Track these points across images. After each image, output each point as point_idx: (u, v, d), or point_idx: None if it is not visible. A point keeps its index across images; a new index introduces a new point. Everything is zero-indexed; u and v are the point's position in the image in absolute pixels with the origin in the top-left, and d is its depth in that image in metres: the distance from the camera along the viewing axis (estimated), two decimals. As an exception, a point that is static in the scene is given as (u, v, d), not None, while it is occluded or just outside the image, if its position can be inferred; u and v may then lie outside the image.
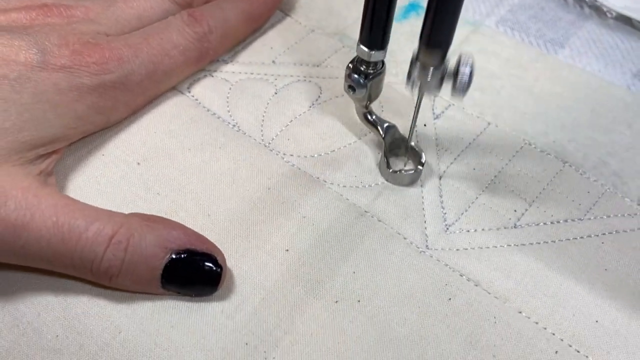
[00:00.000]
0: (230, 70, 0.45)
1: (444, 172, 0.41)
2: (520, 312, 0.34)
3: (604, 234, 0.38)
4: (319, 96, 0.44)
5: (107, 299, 0.34)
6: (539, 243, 0.37)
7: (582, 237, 0.37)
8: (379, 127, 0.39)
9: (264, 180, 0.39)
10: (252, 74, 0.45)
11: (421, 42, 0.32)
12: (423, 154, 0.39)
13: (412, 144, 0.39)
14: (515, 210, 0.39)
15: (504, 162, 0.41)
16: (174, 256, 0.33)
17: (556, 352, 0.33)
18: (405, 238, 0.37)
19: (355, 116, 0.41)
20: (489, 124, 0.43)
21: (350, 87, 0.37)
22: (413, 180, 0.39)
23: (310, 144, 0.42)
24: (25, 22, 0.38)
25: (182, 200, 0.38)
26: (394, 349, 0.33)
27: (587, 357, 0.33)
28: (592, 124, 0.43)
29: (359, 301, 0.34)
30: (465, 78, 0.33)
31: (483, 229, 0.38)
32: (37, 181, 0.34)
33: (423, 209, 0.39)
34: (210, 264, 0.34)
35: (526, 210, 0.39)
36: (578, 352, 0.33)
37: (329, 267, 0.36)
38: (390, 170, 0.38)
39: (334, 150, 0.41)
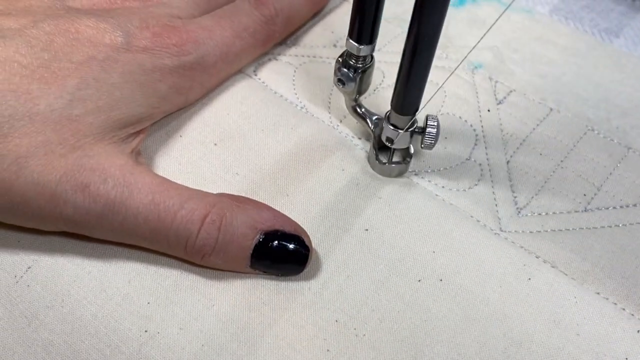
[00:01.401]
0: (293, 54, 0.46)
1: (511, 156, 0.41)
2: (598, 293, 0.35)
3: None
4: (383, 80, 0.45)
5: (197, 274, 0.35)
6: (611, 227, 0.38)
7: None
8: (367, 120, 0.40)
9: (337, 161, 0.40)
10: (314, 57, 0.46)
11: (392, 107, 0.35)
12: (411, 147, 0.39)
13: None
14: (584, 195, 0.39)
15: (569, 147, 0.42)
16: (263, 237, 0.34)
17: (638, 331, 0.34)
18: (478, 221, 0.38)
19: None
20: (551, 109, 0.44)
21: (339, 80, 0.37)
22: (401, 172, 0.39)
23: (378, 127, 0.42)
24: (105, 5, 0.39)
25: (260, 180, 0.39)
26: (479, 327, 0.34)
27: (666, 336, 0.34)
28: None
29: (441, 280, 0.35)
30: (432, 137, 0.37)
31: (554, 213, 0.39)
32: (131, 159, 0.35)
33: (493, 192, 0.39)
34: (298, 245, 0.34)
35: (595, 194, 0.40)
36: (657, 332, 0.34)
37: (409, 246, 0.36)
38: (379, 162, 0.39)
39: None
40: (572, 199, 0.39)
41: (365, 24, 0.34)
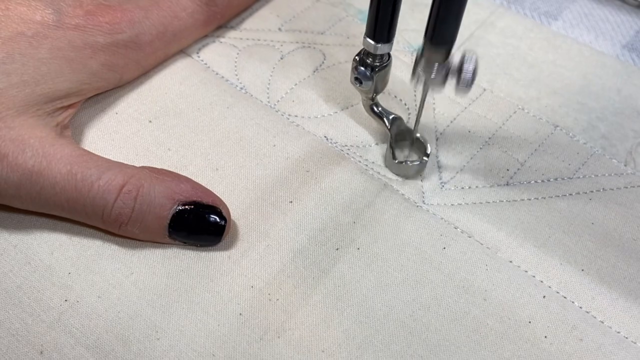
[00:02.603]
0: (238, 37, 0.47)
1: (441, 133, 0.42)
2: (510, 262, 0.36)
3: (591, 191, 0.40)
4: (323, 62, 0.46)
5: (119, 245, 0.36)
6: (530, 199, 0.39)
7: (570, 194, 0.39)
8: (384, 119, 0.40)
9: (269, 137, 0.41)
10: (259, 40, 0.47)
11: (426, 39, 0.33)
12: (428, 145, 0.39)
13: (418, 135, 0.40)
14: (507, 170, 0.41)
15: (498, 125, 0.43)
16: (180, 207, 0.35)
17: (544, 296, 0.35)
18: (402, 194, 0.39)
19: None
20: (484, 90, 0.45)
21: (356, 79, 0.37)
22: (419, 171, 0.39)
23: (314, 106, 0.44)
24: None
25: (191, 155, 0.40)
26: (390, 292, 0.35)
27: (573, 302, 0.35)
28: (582, 90, 0.45)
29: (358, 249, 0.36)
30: (469, 75, 0.33)
31: (477, 187, 0.40)
32: (53, 132, 0.36)
33: (420, 167, 0.41)
34: (215, 216, 0.36)
35: (518, 169, 0.41)
36: (565, 297, 0.35)
37: (331, 217, 0.37)
38: (396, 162, 0.39)
39: (336, 112, 0.43)
40: (496, 173, 0.40)
41: (382, 23, 0.34)
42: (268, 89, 0.44)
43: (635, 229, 0.38)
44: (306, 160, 0.40)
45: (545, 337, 0.33)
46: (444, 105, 0.43)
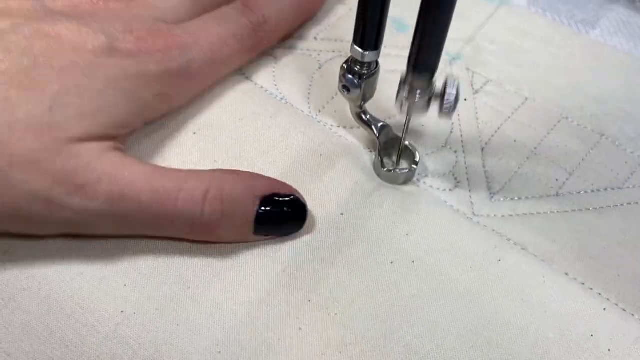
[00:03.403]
0: (274, 47, 0.47)
1: (486, 144, 0.42)
2: (566, 274, 0.36)
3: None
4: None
5: (171, 256, 0.36)
6: (581, 210, 0.39)
7: (622, 205, 0.39)
8: (373, 127, 0.40)
9: (315, 147, 0.41)
10: (295, 49, 0.47)
11: (409, 66, 0.33)
12: (417, 153, 0.39)
13: (407, 143, 0.39)
14: (556, 180, 0.40)
15: (542, 134, 0.43)
16: (263, 201, 0.35)
17: (604, 309, 0.35)
18: (452, 206, 0.39)
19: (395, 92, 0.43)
20: (526, 98, 0.45)
21: (344, 87, 0.37)
22: (407, 179, 0.39)
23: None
24: (87, 7, 0.38)
25: (238, 166, 0.39)
26: (449, 305, 0.34)
27: (633, 315, 0.35)
28: (626, 98, 0.45)
29: (413, 262, 0.36)
30: (452, 100, 0.34)
31: (527, 197, 0.40)
32: (118, 153, 0.35)
33: (467, 179, 0.40)
34: (296, 204, 0.36)
35: (567, 179, 0.40)
36: (624, 310, 0.35)
37: (383, 230, 0.37)
38: (385, 170, 0.39)
39: (379, 123, 0.43)
40: (544, 184, 0.40)
41: (369, 30, 0.34)
42: (308, 99, 0.44)
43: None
44: (353, 171, 0.40)
45: (609, 350, 0.33)
46: (487, 115, 0.43)
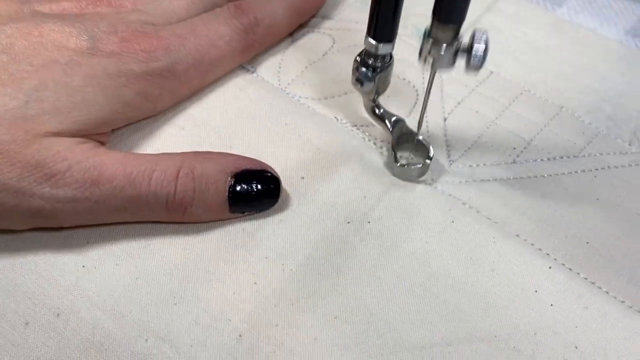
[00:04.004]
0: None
1: (449, 114, 0.43)
2: (517, 235, 0.37)
3: (596, 169, 0.41)
4: (332, 46, 0.47)
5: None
6: (537, 177, 0.40)
7: (576, 172, 0.40)
8: (386, 121, 0.39)
9: (281, 117, 0.42)
10: (269, 25, 0.48)
11: (434, 17, 0.32)
12: (431, 148, 0.39)
13: (420, 137, 0.39)
14: (514, 148, 0.42)
15: (504, 106, 0.44)
16: (234, 178, 0.36)
17: (550, 267, 0.36)
18: (414, 172, 0.40)
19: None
20: (491, 72, 0.46)
21: (357, 80, 0.36)
22: (421, 174, 0.39)
23: (324, 88, 0.45)
24: (75, 10, 0.38)
25: (205, 134, 0.41)
26: (400, 263, 0.36)
27: (578, 273, 0.36)
28: (587, 73, 0.46)
29: (369, 222, 0.37)
30: (480, 55, 0.32)
31: (484, 164, 0.41)
32: (89, 143, 0.36)
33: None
34: (269, 178, 0.37)
35: (525, 148, 0.42)
36: (570, 269, 0.36)
37: (342, 192, 0.38)
38: (398, 164, 0.38)
39: (346, 94, 0.44)
40: (502, 152, 0.41)
41: (384, 22, 0.33)
42: (279, 72, 0.45)
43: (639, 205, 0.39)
44: (317, 139, 0.41)
45: (552, 305, 0.34)
46: (452, 87, 0.44)
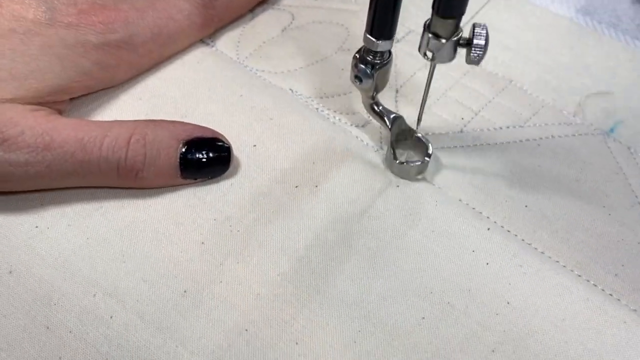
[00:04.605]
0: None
1: (401, 86, 0.45)
2: (460, 200, 0.39)
3: (540, 138, 0.42)
4: (291, 22, 0.49)
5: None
6: (482, 145, 0.42)
7: (520, 141, 0.42)
8: (385, 118, 0.39)
9: (237, 88, 0.43)
10: (230, 1, 0.49)
11: (434, 12, 0.32)
12: (430, 145, 0.39)
13: (419, 135, 0.39)
14: (462, 118, 0.43)
15: (455, 79, 0.45)
16: (186, 145, 0.37)
17: (488, 229, 0.37)
18: (362, 141, 0.42)
19: (322, 39, 0.46)
20: (444, 48, 0.47)
21: (356, 77, 0.36)
22: (420, 171, 0.39)
23: (280, 62, 0.46)
24: None
25: (162, 104, 0.42)
26: (343, 223, 0.37)
27: (516, 235, 0.37)
28: (536, 48, 0.47)
29: (316, 186, 0.39)
30: (480, 49, 0.33)
31: (433, 133, 0.42)
32: (43, 110, 0.37)
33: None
34: (220, 146, 0.38)
35: (472, 118, 0.43)
36: (509, 231, 0.37)
37: (291, 159, 0.40)
38: (397, 162, 0.38)
39: (302, 67, 0.46)
40: (450, 122, 0.43)
41: (383, 19, 0.33)
42: (237, 47, 0.47)
43: (579, 171, 0.40)
44: (270, 109, 0.42)
45: (487, 263, 0.36)
46: (405, 62, 0.46)
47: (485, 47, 0.33)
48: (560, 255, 0.36)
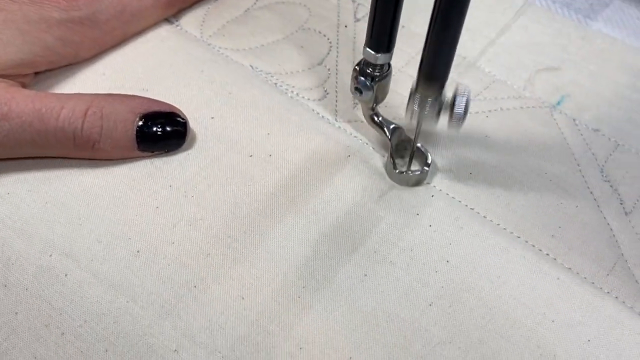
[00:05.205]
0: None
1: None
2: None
3: (490, 110, 0.44)
4: (255, 3, 0.50)
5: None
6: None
7: (470, 113, 0.43)
8: (385, 129, 0.39)
9: (198, 64, 0.45)
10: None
11: (420, 75, 0.33)
12: (429, 155, 0.39)
13: (419, 145, 0.40)
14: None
15: (411, 56, 0.47)
16: (143, 119, 0.39)
17: (432, 195, 0.39)
18: (318, 113, 0.43)
19: (284, 19, 0.48)
20: (402, 26, 0.49)
21: (357, 89, 0.37)
22: (419, 181, 0.39)
23: (242, 40, 0.47)
24: None
25: (123, 79, 0.44)
26: (296, 190, 0.39)
27: (459, 201, 0.39)
28: (488, 26, 0.49)
29: (270, 155, 0.40)
30: (461, 110, 0.34)
31: (386, 106, 0.44)
32: (5, 82, 0.38)
33: (336, 91, 0.45)
34: (176, 120, 0.40)
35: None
36: (453, 198, 0.39)
37: (247, 130, 0.41)
38: (397, 171, 0.39)
39: (263, 45, 0.47)
40: (406, 95, 0.44)
41: (383, 33, 0.34)
42: (202, 25, 0.48)
43: (524, 141, 0.42)
44: (230, 84, 0.44)
45: (430, 225, 0.37)
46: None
47: (466, 107, 0.34)
48: (500, 218, 0.38)
